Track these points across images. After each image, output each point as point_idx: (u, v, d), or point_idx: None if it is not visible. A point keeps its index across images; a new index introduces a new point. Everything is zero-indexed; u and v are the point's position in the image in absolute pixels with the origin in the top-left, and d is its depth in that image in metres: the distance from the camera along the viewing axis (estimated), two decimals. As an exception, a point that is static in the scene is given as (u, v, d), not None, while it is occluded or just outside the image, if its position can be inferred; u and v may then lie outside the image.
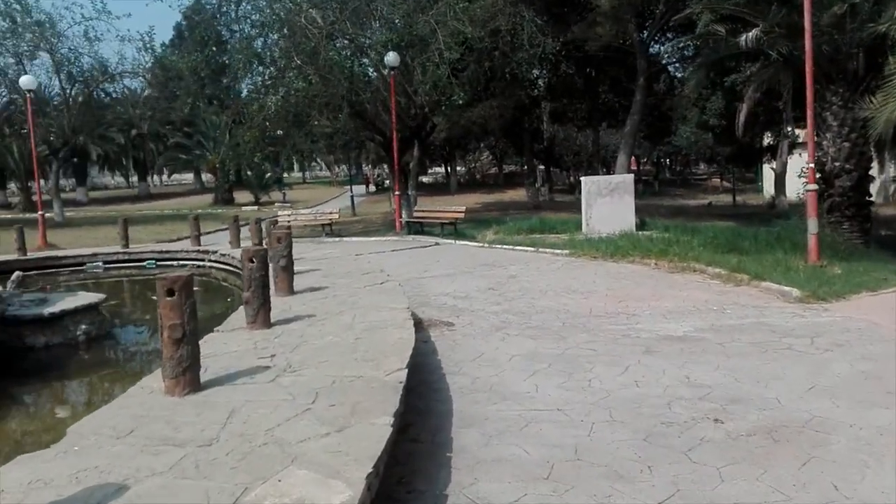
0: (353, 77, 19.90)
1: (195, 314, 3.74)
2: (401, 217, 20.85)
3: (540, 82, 34.70)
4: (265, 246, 9.02)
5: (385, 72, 20.56)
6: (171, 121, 57.70)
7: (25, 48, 28.49)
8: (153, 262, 14.57)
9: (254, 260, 5.55)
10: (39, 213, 20.72)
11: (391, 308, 6.25)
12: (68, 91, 30.66)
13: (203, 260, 13.78)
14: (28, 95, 20.51)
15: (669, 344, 6.61)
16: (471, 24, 19.82)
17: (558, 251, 13.89)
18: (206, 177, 54.93)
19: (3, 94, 35.36)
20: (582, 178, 18.82)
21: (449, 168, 58.02)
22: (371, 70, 20.79)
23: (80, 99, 31.90)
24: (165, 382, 3.73)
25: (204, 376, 4.03)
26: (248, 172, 48.25)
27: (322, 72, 19.07)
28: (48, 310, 7.26)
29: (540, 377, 5.65)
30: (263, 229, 14.24)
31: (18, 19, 27.88)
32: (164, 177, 79.57)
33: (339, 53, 18.79)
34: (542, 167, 49.23)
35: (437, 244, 17.23)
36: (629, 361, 6.04)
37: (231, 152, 20.40)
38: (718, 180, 72.55)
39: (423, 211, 20.13)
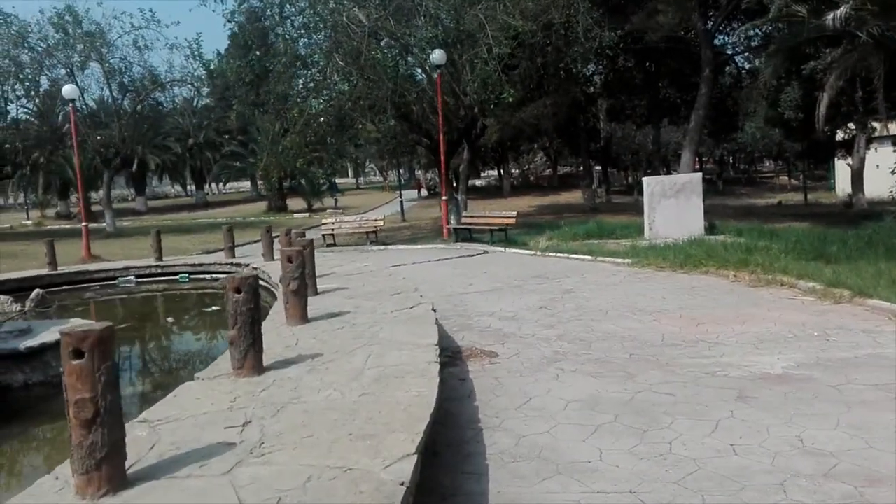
0: (398, 77, 18.91)
1: (115, 383, 2.66)
2: (448, 223, 19.73)
3: (596, 78, 33.17)
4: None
5: (431, 71, 19.55)
6: (228, 129, 58.27)
7: (77, 59, 28.62)
8: (186, 275, 13.85)
9: (240, 290, 4.47)
10: (83, 224, 20.45)
11: (416, 345, 5.09)
12: (119, 101, 30.70)
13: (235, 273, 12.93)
14: (71, 105, 20.29)
15: (768, 386, 5.24)
16: (522, 18, 18.58)
17: (619, 260, 12.50)
18: (262, 184, 55.14)
19: (61, 106, 35.95)
20: (644, 179, 17.33)
21: (502, 171, 56.67)
22: (417, 70, 19.77)
23: (132, 108, 31.98)
24: (75, 479, 2.66)
25: (147, 458, 2.96)
26: (300, 179, 48.23)
27: (366, 73, 18.15)
28: (26, 343, 6.41)
29: (604, 436, 4.40)
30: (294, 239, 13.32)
31: (70, 30, 28.01)
32: (222, 185, 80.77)
33: (382, 53, 17.80)
34: (598, 168, 47.44)
35: (485, 252, 16.03)
36: (719, 413, 4.72)
37: (273, 159, 19.60)
38: (786, 178, 69.14)
39: (471, 217, 18.96)
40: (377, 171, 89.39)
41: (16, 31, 27.09)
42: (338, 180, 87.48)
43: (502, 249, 16.17)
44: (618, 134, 45.36)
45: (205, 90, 31.25)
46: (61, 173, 51.78)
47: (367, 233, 19.75)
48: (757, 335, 6.74)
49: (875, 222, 14.28)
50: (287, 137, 17.58)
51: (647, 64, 29.73)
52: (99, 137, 30.54)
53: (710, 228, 16.86)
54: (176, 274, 13.86)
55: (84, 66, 29.06)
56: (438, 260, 15.10)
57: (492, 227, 17.29)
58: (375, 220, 20.13)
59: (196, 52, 27.91)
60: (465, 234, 18.53)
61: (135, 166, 58.64)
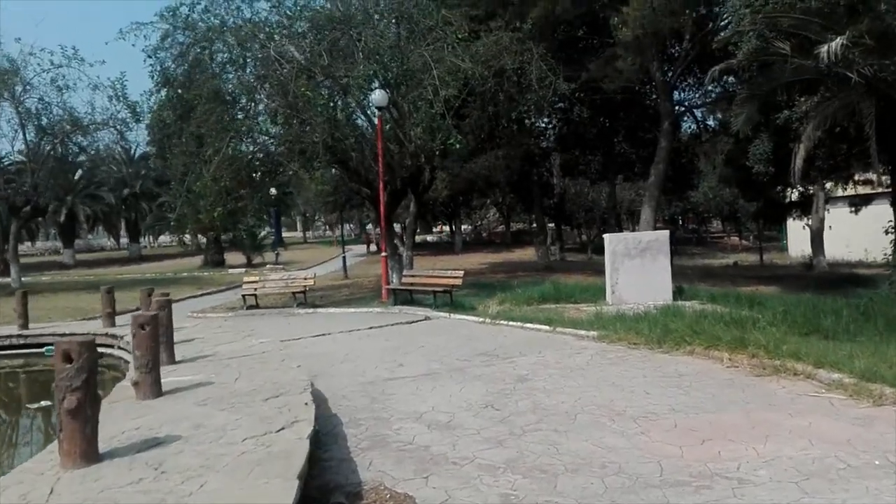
0: (333, 119, 16.96)
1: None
2: (389, 283, 17.53)
3: (550, 132, 31.93)
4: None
5: (372, 114, 17.69)
6: (168, 180, 55.45)
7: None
8: (51, 348, 11.21)
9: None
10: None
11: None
12: (35, 145, 27.87)
13: (112, 346, 10.41)
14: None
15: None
16: (472, 62, 16.93)
17: (583, 332, 10.44)
18: (189, 238, 52.21)
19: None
20: (605, 236, 15.52)
21: (453, 226, 55.00)
22: (357, 113, 17.84)
23: (50, 153, 29.21)
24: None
25: None
26: (239, 233, 45.56)
27: (299, 113, 16.13)
28: None
29: None
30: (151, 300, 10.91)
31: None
32: (158, 238, 77.11)
33: (314, 91, 15.80)
34: (551, 225, 46.14)
35: (426, 318, 13.82)
36: None
37: (187, 208, 17.18)
38: (737, 238, 69.34)
39: (413, 276, 16.77)
40: (328, 226, 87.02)
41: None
42: (285, 234, 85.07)
43: (446, 315, 13.99)
44: (571, 190, 44.30)
45: (137, 136, 28.72)
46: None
47: (295, 293, 17.35)
48: (793, 465, 4.64)
49: (869, 290, 12.64)
50: (198, 182, 15.26)
51: (602, 119, 28.56)
52: (12, 184, 27.70)
53: (679, 292, 15.06)
54: (42, 345, 11.22)
55: (-6, 105, 26.32)
56: (370, 328, 12.81)
57: (435, 289, 15.12)
58: (305, 278, 17.77)
59: (120, 93, 25.52)
60: (406, 297, 16.31)
61: (62, 217, 55.38)
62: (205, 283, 31.06)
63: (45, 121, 27.40)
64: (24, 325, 11.58)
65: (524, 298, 15.35)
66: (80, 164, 53.26)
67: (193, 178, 16.58)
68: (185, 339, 8.90)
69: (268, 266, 42.56)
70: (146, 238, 73.57)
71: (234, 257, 47.61)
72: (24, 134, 27.39)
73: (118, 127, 27.38)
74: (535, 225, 41.99)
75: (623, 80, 21.73)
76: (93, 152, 30.36)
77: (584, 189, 44.25)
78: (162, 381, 5.67)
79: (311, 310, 16.71)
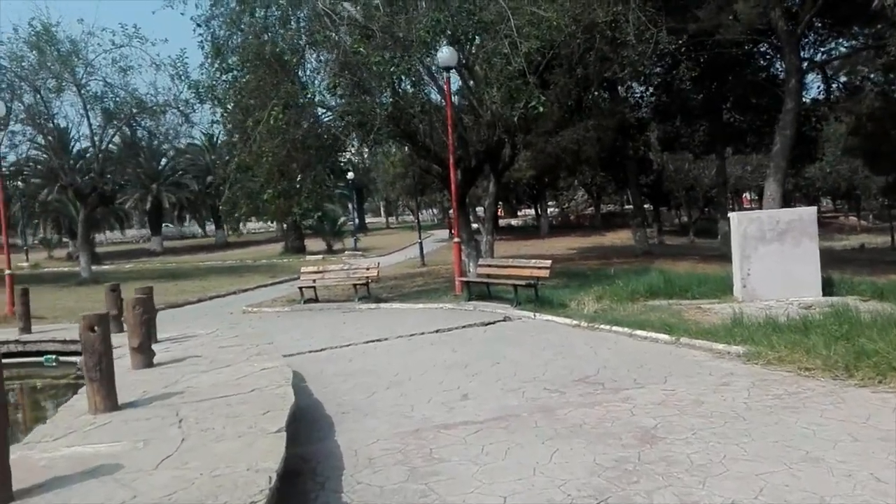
0: (397, 85, 14.56)
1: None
2: (463, 274, 15.01)
3: (646, 99, 28.43)
4: None
5: (439, 76, 15.14)
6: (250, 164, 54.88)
7: (52, 82, 24.99)
8: (53, 357, 9.34)
9: None
10: (7, 272, 16.26)
11: None
12: (97, 130, 26.92)
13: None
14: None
15: None
16: (556, 14, 14.08)
17: (720, 347, 7.55)
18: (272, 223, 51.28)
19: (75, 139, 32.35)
20: (733, 215, 12.38)
21: (539, 209, 51.86)
22: (421, 74, 15.30)
23: (117, 138, 28.32)
24: None
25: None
26: (315, 217, 44.28)
27: (355, 77, 13.80)
28: None
29: None
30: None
31: (46, 50, 24.48)
32: (252, 224, 77.36)
33: (375, 53, 13.37)
34: (648, 206, 42.37)
35: (505, 319, 11.21)
36: None
37: (239, 192, 15.23)
38: (855, 219, 62.76)
39: (490, 266, 14.13)
40: (410, 211, 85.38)
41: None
42: (368, 219, 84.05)
43: (530, 314, 11.32)
44: (669, 167, 40.40)
45: (202, 118, 27.36)
46: (66, 212, 48.86)
47: (356, 286, 15.09)
48: None
49: None
50: (236, 158, 13.20)
51: (709, 83, 24.85)
52: (79, 171, 26.88)
53: (828, 285, 11.78)
54: (42, 353, 9.36)
55: (60, 89, 25.41)
56: (436, 331, 10.33)
57: (517, 282, 12.43)
58: (367, 269, 15.46)
59: (182, 72, 24.03)
60: (483, 290, 13.74)
61: (148, 205, 55.91)
62: (280, 270, 29.62)
63: (109, 104, 26.43)
64: (27, 329, 9.75)
65: (627, 293, 12.46)
66: (163, 152, 53.75)
67: (244, 156, 14.61)
68: (179, 356, 6.68)
69: (346, 252, 41.04)
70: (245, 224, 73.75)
71: (314, 243, 46.44)
72: (88, 118, 26.51)
73: (181, 108, 26.06)
74: (627, 206, 38.46)
75: (739, 30, 18.24)
76: (160, 136, 29.13)
77: (683, 165, 40.27)
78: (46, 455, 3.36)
79: (373, 305, 14.43)
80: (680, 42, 17.18)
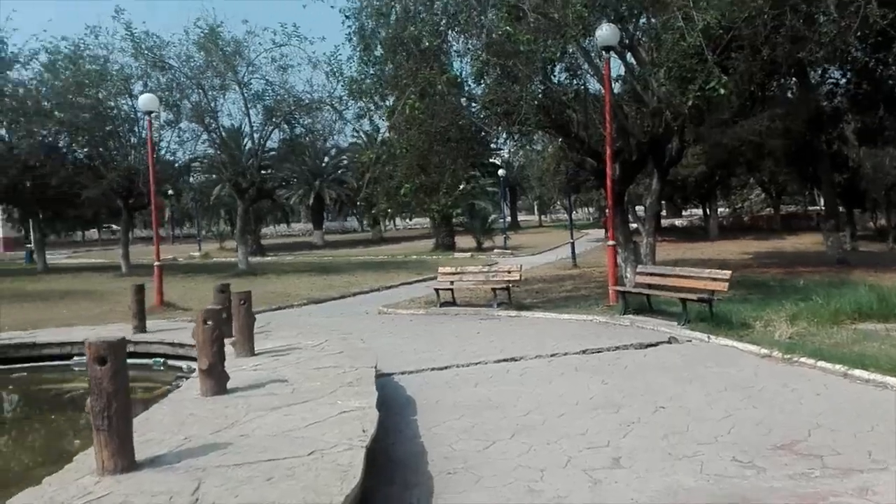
0: (550, 71, 12.93)
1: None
2: (620, 283, 13.04)
3: (841, 87, 24.41)
4: None
5: (597, 57, 13.25)
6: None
7: (217, 81, 25.91)
8: (161, 360, 8.72)
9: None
10: (156, 263, 16.52)
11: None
12: (261, 126, 27.63)
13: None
14: (149, 118, 16.68)
15: None
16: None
17: None
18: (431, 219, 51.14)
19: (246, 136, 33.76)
20: None
21: (707, 209, 47.51)
22: (576, 56, 13.50)
23: (278, 134, 28.97)
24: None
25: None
26: (463, 214, 43.49)
27: (501, 59, 12.31)
28: None
29: None
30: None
31: (212, 51, 25.38)
32: (404, 220, 78.57)
33: (523, 34, 11.78)
34: (841, 207, 37.16)
35: (670, 341, 9.21)
36: None
37: (377, 187, 14.34)
38: None
39: (652, 274, 12.02)
40: (564, 209, 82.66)
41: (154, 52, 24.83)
42: (521, 218, 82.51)
43: (703, 336, 9.24)
44: (866, 164, 35.07)
45: (348, 113, 27.23)
46: (235, 206, 51.75)
47: (496, 290, 13.60)
48: None
49: None
50: (370, 151, 12.20)
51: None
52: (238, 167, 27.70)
53: None
54: (153, 355, 8.77)
55: (224, 87, 26.30)
56: (582, 352, 8.60)
57: (686, 296, 10.30)
58: (509, 271, 13.92)
59: (336, 68, 23.84)
60: (642, 302, 11.72)
61: (311, 200, 58.13)
62: (427, 268, 28.94)
63: (269, 102, 27.00)
64: (140, 328, 9.23)
65: (829, 313, 9.95)
66: (326, 150, 55.63)
67: (382, 150, 13.69)
68: (263, 380, 5.54)
69: (495, 251, 39.83)
70: (389, 221, 75.38)
71: (465, 241, 45.71)
72: (249, 116, 27.24)
73: (335, 105, 26.01)
74: (812, 207, 33.84)
75: None
76: (317, 134, 29.49)
77: (883, 161, 34.77)
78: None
79: (514, 312, 12.88)
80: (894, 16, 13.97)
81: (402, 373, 7.85)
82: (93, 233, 65.87)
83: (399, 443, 5.28)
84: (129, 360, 8.65)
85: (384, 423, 4.90)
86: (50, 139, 26.42)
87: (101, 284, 22.73)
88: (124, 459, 3.42)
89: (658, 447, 4.91)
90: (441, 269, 15.10)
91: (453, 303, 14.30)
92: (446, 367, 8.17)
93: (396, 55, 12.65)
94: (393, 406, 6.29)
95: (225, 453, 3.71)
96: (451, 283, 14.40)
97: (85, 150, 27.38)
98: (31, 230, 33.78)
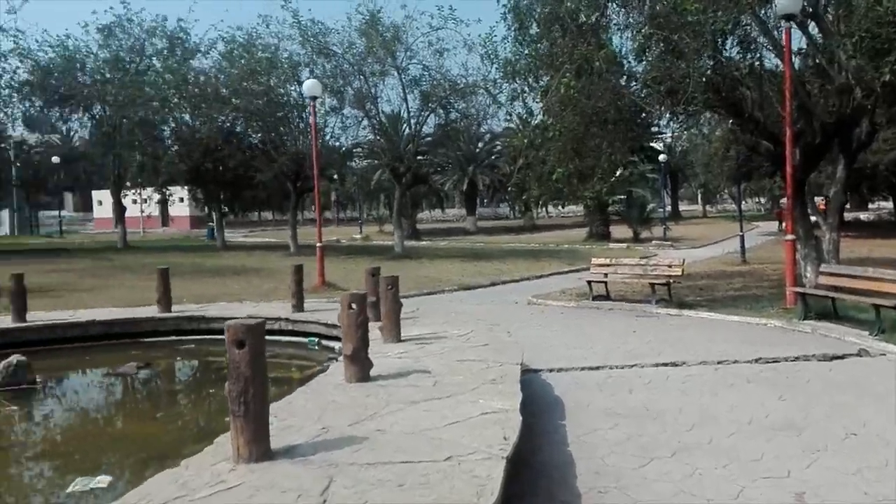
0: (721, 45, 11.79)
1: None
2: (799, 283, 11.71)
3: None
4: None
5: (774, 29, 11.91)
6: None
7: (377, 67, 26.63)
8: (315, 340, 8.91)
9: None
10: (318, 244, 17.22)
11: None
12: (413, 112, 28.09)
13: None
14: (312, 103, 17.33)
15: None
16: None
17: None
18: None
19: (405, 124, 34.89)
20: None
21: (901, 200, 42.32)
22: (751, 26, 12.21)
23: (433, 120, 29.32)
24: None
25: None
26: (619, 202, 41.70)
27: (670, 40, 11.41)
28: None
29: None
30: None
31: (373, 37, 26.11)
32: (571, 207, 76.98)
33: (698, 5, 10.81)
34: None
35: (860, 354, 8.03)
36: None
37: (530, 171, 13.93)
38: None
39: (839, 275, 10.61)
40: (731, 198, 77.19)
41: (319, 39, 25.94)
42: (684, 207, 78.19)
43: (901, 350, 7.99)
44: None
45: (502, 97, 26.92)
46: (394, 190, 53.36)
47: (654, 285, 12.73)
48: None
49: None
50: (522, 135, 11.76)
51: None
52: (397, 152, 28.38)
53: None
54: (307, 335, 9.00)
55: (384, 73, 26.97)
56: (755, 361, 7.72)
57: (881, 301, 8.96)
58: (670, 265, 12.98)
59: (491, 51, 23.61)
60: (826, 307, 10.40)
61: (465, 186, 58.68)
62: (579, 258, 28.10)
63: (425, 87, 27.31)
64: (299, 307, 9.52)
65: None
66: (480, 135, 55.86)
67: (535, 132, 13.24)
68: (406, 369, 5.38)
69: (653, 242, 37.92)
70: (541, 208, 74.40)
71: (620, 230, 44.01)
72: (407, 102, 27.72)
73: (489, 88, 25.79)
74: None
75: None
76: (472, 118, 29.49)
77: None
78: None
79: (675, 311, 11.98)
80: None
81: (551, 370, 7.44)
82: (267, 214, 70.95)
83: (545, 448, 4.90)
84: (286, 339, 9.06)
85: (529, 423, 4.55)
86: (228, 124, 28.51)
87: (271, 262, 24.21)
88: (259, 447, 3.33)
89: (850, 483, 4.16)
90: (594, 261, 14.42)
91: (607, 297, 13.60)
92: (598, 368, 7.65)
93: (552, 32, 12.10)
94: (539, 405, 5.92)
95: (360, 449, 3.53)
96: (605, 275, 13.69)
97: (259, 135, 29.26)
98: (212, 210, 36.76)
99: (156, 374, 8.41)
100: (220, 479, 3.12)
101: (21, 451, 5.67)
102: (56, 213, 56.80)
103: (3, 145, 30.53)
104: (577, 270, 22.21)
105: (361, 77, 26.69)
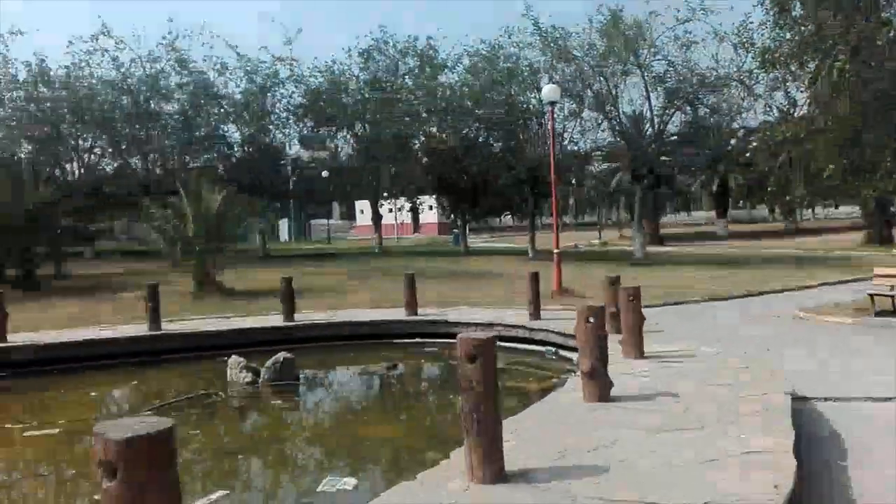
0: None
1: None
2: None
3: None
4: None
5: None
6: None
7: (618, 67, 25.87)
8: (553, 350, 8.65)
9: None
10: (555, 250, 17.03)
11: None
12: (657, 110, 26.74)
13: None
14: (551, 109, 17.14)
15: None
16: None
17: None
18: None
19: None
20: None
21: None
22: None
23: (677, 118, 27.71)
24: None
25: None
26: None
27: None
28: None
29: None
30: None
31: (614, 37, 25.41)
32: (843, 209, 68.30)
33: None
34: None
35: None
36: None
37: (794, 168, 12.38)
38: None
39: None
40: None
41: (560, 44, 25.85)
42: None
43: None
44: None
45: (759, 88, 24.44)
46: (634, 193, 51.35)
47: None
48: None
49: None
50: (783, 128, 10.34)
51: None
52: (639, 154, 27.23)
53: None
54: (544, 343, 8.81)
55: (625, 73, 26.10)
56: None
57: None
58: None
59: (745, 39, 21.60)
60: None
61: (715, 186, 54.54)
62: (854, 266, 24.54)
63: (670, 83, 25.89)
64: (536, 315, 9.37)
65: None
66: (732, 131, 51.65)
67: (798, 125, 11.72)
68: (649, 391, 4.89)
69: (945, 248, 31.90)
70: (805, 208, 66.64)
71: (911, 233, 37.72)
72: (650, 100, 26.51)
73: (744, 80, 23.65)
74: None
75: None
76: (722, 113, 27.37)
77: None
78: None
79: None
80: None
81: (825, 399, 6.37)
82: (508, 219, 72.79)
83: (826, 501, 4.11)
84: (524, 346, 8.95)
85: (804, 466, 3.83)
86: (472, 134, 29.60)
87: (509, 268, 24.55)
88: (492, 467, 3.16)
89: None
90: (878, 270, 12.33)
91: (894, 312, 11.55)
92: (888, 399, 6.40)
93: (820, 10, 10.58)
94: (811, 443, 5.05)
95: (600, 482, 3.20)
96: (892, 287, 11.63)
97: (499, 143, 29.99)
98: (457, 216, 38.49)
99: (402, 375, 8.79)
100: (453, 500, 2.99)
101: (281, 445, 6.21)
102: (325, 221, 63.72)
103: (283, 163, 34.77)
104: (853, 280, 19.36)
105: (602, 79, 26.09)
